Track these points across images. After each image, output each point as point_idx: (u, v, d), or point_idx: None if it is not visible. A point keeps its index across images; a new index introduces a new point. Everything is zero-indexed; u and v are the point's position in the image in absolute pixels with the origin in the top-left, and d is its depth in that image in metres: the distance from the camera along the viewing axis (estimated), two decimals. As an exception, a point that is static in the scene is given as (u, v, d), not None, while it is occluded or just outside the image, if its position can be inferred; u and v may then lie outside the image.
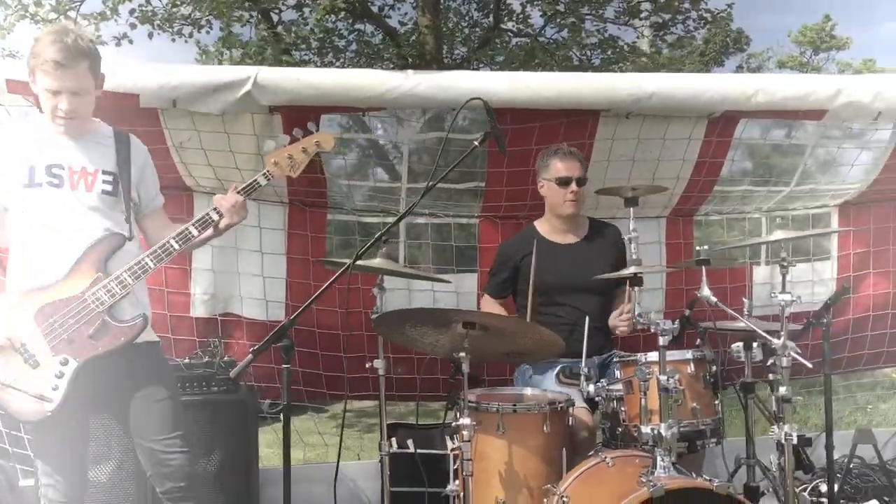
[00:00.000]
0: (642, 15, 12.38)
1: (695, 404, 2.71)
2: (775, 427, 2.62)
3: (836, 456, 4.08)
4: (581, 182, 3.57)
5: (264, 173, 2.68)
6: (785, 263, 2.91)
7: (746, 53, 29.40)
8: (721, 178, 4.29)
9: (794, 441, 2.59)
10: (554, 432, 2.63)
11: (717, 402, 2.76)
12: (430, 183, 2.63)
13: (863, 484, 3.67)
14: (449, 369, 2.85)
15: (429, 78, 3.68)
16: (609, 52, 12.35)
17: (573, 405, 2.80)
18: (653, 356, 2.61)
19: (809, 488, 3.38)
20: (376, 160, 4.08)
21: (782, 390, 2.58)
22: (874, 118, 4.00)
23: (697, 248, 2.91)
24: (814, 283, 4.80)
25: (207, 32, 10.81)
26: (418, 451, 2.80)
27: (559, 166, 3.59)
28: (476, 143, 2.65)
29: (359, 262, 2.54)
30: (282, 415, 2.48)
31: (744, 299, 3.11)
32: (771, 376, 2.70)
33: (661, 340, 2.44)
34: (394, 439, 3.02)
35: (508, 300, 3.76)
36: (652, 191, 3.02)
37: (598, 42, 12.32)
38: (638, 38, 12.62)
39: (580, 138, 3.94)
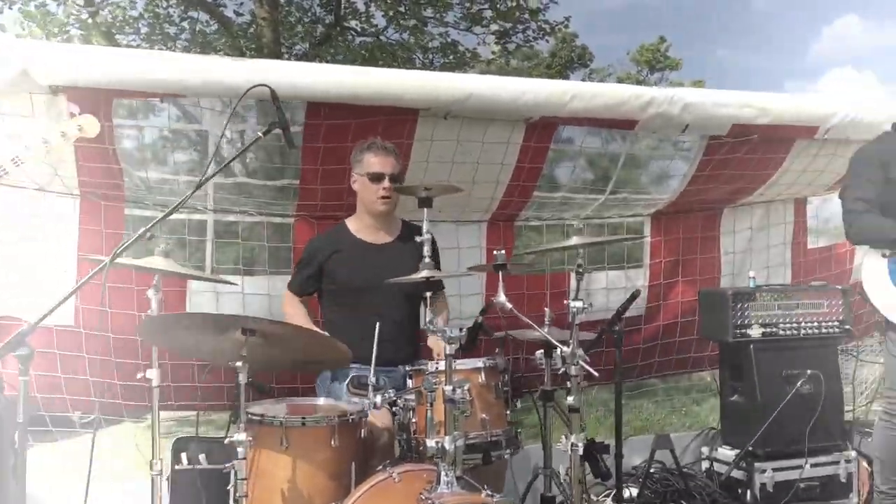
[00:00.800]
0: (484, 22, 12.60)
1: (485, 415, 2.64)
2: (563, 437, 2.61)
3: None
4: (395, 179, 3.46)
5: (13, 158, 2.37)
6: (580, 270, 2.92)
7: (589, 69, 30.71)
8: (540, 183, 4.32)
9: (581, 451, 2.57)
10: (343, 446, 2.47)
11: (508, 411, 2.71)
12: (203, 178, 2.41)
13: (663, 489, 3.79)
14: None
15: (232, 66, 3.45)
16: (451, 57, 12.45)
17: (366, 416, 2.66)
18: (441, 365, 2.50)
19: (613, 493, 3.44)
20: (178, 151, 3.79)
21: (570, 399, 2.56)
22: (682, 130, 4.16)
23: (495, 252, 2.85)
24: (627, 290, 4.93)
25: (10, 7, 9.89)
26: (197, 466, 2.57)
27: (372, 161, 3.45)
28: (260, 133, 2.45)
29: (132, 262, 2.29)
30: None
31: (545, 307, 3.10)
32: (568, 384, 2.68)
33: (448, 349, 2.35)
34: (184, 454, 2.79)
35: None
36: (446, 190, 2.93)
37: (441, 46, 12.39)
38: (479, 44, 12.83)
39: (398, 137, 3.83)
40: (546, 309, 3.13)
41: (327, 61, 11.87)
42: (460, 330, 2.38)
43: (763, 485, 3.70)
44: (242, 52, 10.78)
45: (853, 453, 3.89)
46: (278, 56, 10.76)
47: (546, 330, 2.97)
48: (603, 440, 2.86)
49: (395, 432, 2.82)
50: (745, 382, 3.90)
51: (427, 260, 2.60)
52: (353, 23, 12.99)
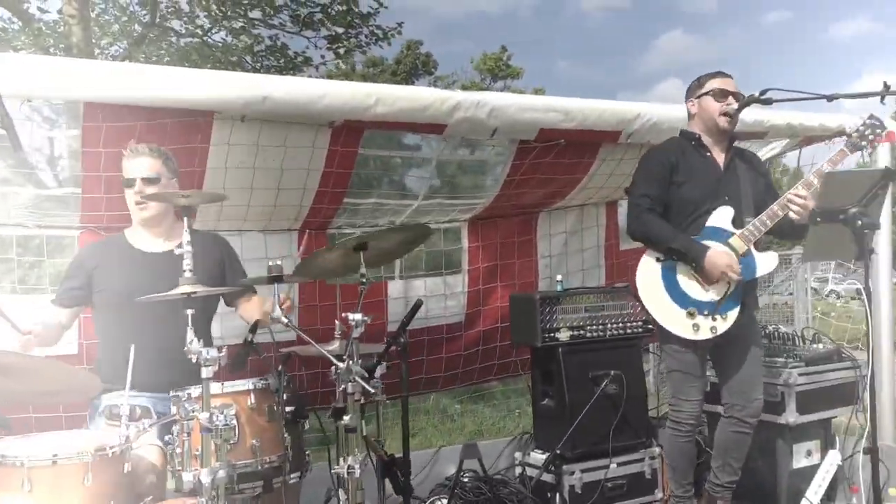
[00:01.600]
0: (314, 26, 12.39)
1: (255, 441, 2.46)
2: (341, 459, 2.49)
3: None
4: (151, 183, 3.14)
5: None
6: (364, 280, 2.81)
7: (434, 76, 31.10)
8: (350, 189, 4.20)
9: (356, 472, 2.45)
10: (100, 485, 2.22)
11: (287, 434, 2.54)
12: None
13: (474, 498, 3.76)
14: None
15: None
16: (281, 61, 12.15)
17: (130, 450, 2.42)
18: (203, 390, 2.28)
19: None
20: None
21: (346, 419, 2.45)
22: (491, 134, 4.16)
23: (270, 263, 2.69)
24: (446, 296, 4.92)
25: None
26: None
27: (125, 166, 3.17)
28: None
29: None
30: None
31: (336, 321, 2.97)
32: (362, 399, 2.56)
33: (205, 372, 2.16)
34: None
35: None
36: (208, 198, 2.74)
37: (270, 49, 12.07)
38: (307, 48, 12.58)
39: (192, 141, 3.59)
40: (336, 322, 2.99)
41: (142, 62, 11.27)
42: (219, 350, 2.20)
43: (572, 487, 3.75)
44: (47, 51, 10.02)
45: (657, 450, 4.01)
46: (90, 56, 10.09)
47: (336, 344, 2.83)
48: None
49: (167, 466, 2.58)
50: (555, 386, 3.94)
51: (187, 274, 2.38)
52: (176, 23, 12.42)
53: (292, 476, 2.51)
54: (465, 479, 3.82)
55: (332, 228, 4.52)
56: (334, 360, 2.52)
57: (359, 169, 4.13)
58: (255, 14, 11.73)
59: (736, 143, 3.75)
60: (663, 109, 4.57)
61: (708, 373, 3.77)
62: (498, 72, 32.64)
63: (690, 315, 3.41)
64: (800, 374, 3.84)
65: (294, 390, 2.60)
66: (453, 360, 5.06)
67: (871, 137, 3.33)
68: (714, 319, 3.42)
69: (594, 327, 4.01)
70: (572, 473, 3.77)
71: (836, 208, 2.70)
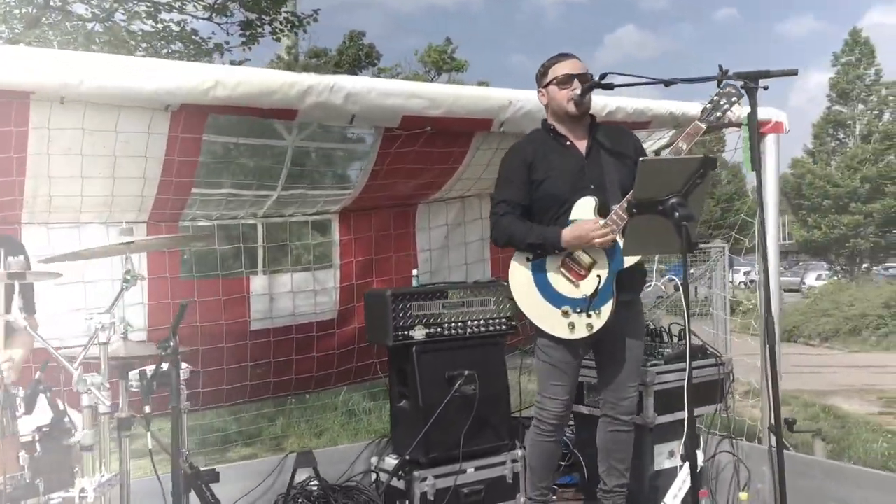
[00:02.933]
0: (228, 13, 12.02)
1: None
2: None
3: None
4: None
5: None
6: (129, 277, 2.58)
7: (377, 68, 30.87)
8: (198, 179, 3.95)
9: (89, 497, 2.18)
10: None
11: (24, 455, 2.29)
12: None
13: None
14: None
15: None
16: (191, 47, 11.75)
17: None
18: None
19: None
20: None
21: (79, 436, 2.20)
22: (349, 121, 3.96)
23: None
24: (316, 292, 4.71)
25: None
26: None
27: None
28: None
29: None
30: None
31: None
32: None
33: None
34: None
35: None
36: None
37: (179, 35, 11.66)
38: (213, 34, 12.16)
39: (5, 125, 3.32)
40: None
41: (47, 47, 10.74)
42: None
43: (423, 493, 3.58)
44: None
45: (519, 452, 3.87)
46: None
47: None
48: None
49: None
50: (410, 387, 3.77)
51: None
52: (80, 8, 11.90)
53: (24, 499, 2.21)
54: (313, 488, 3.62)
55: (186, 221, 4.26)
56: (70, 368, 2.28)
57: (206, 157, 3.89)
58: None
59: (600, 121, 3.63)
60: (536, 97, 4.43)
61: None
62: (442, 64, 32.48)
63: (565, 314, 3.31)
64: (658, 373, 3.73)
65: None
66: (327, 359, 4.85)
67: (725, 106, 3.21)
68: (589, 316, 3.31)
69: (453, 324, 3.85)
70: (424, 479, 3.60)
71: (653, 198, 2.56)
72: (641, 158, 2.73)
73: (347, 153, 4.27)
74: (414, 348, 3.72)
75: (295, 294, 4.62)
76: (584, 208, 3.37)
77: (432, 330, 3.79)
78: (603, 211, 3.35)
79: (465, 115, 4.19)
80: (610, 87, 3.15)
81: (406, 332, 3.74)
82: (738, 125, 3.22)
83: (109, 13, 11.49)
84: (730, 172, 56.24)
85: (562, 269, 3.33)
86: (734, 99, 3.20)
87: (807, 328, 20.40)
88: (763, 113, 5.29)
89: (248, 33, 12.09)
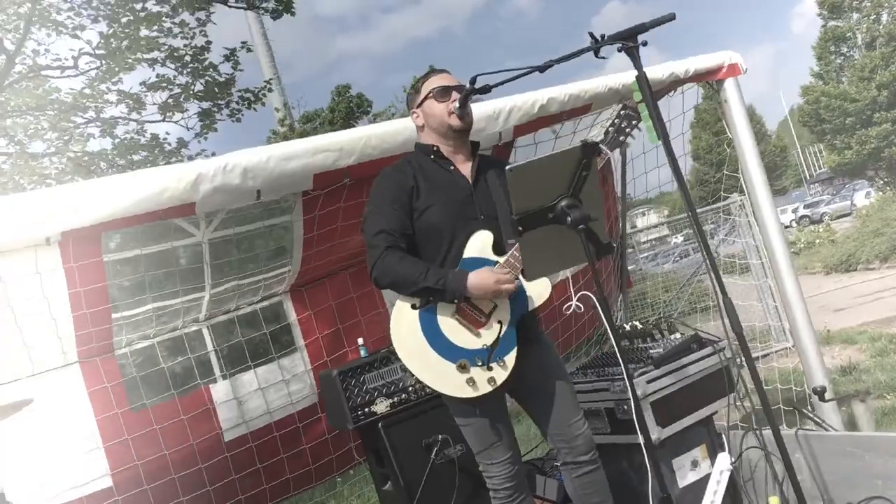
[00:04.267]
0: (181, 109, 11.95)
1: None
2: None
3: None
4: None
5: None
6: None
7: (372, 115, 30.92)
8: (115, 303, 3.69)
9: None
10: None
11: None
12: None
13: None
14: None
15: None
16: (156, 151, 11.67)
17: None
18: None
19: None
20: None
21: None
22: (255, 198, 3.65)
23: None
24: (287, 381, 4.39)
25: None
26: None
27: None
28: None
29: None
30: None
31: None
32: None
33: None
34: None
35: None
36: None
37: (137, 144, 11.61)
38: (168, 133, 12.06)
39: None
40: None
41: None
42: None
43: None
44: None
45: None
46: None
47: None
48: None
49: None
50: (388, 467, 3.41)
51: None
52: (37, 145, 11.89)
53: None
54: None
55: (121, 348, 3.98)
56: None
57: (114, 279, 3.62)
58: (115, 111, 11.33)
59: (482, 151, 3.20)
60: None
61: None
62: (430, 91, 32.39)
63: (462, 368, 2.81)
64: (649, 381, 3.31)
65: None
66: (321, 447, 4.52)
67: (627, 130, 2.86)
68: (490, 369, 2.82)
69: (416, 386, 3.48)
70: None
71: (539, 207, 2.19)
72: (508, 167, 2.28)
73: (271, 230, 3.97)
74: (380, 424, 3.36)
75: (264, 390, 4.31)
76: (481, 244, 2.90)
77: (396, 398, 3.43)
78: (497, 248, 2.90)
79: (380, 156, 3.87)
80: (486, 90, 2.80)
81: (366, 409, 3.39)
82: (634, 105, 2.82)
83: (66, 142, 11.46)
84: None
85: (457, 317, 2.85)
86: (634, 122, 2.86)
87: (863, 253, 19.51)
88: (713, 59, 4.91)
89: (206, 121, 11.99)
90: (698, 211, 8.45)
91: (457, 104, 2.88)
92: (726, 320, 2.48)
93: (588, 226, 2.13)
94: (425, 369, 2.83)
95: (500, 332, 2.84)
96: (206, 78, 11.78)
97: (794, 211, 45.34)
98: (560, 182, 2.16)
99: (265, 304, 4.36)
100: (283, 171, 3.65)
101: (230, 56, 11.84)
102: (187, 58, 11.54)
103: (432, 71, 3.07)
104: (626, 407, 3.25)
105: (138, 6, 10.66)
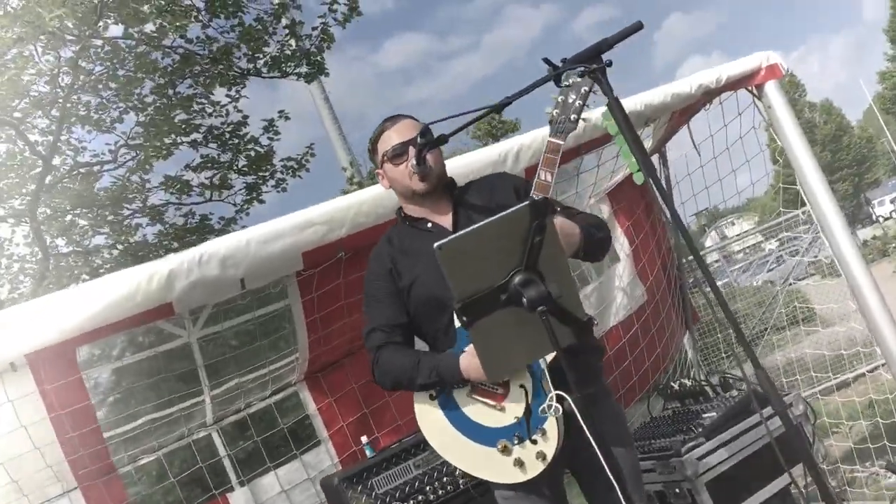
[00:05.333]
0: (227, 185, 11.98)
1: None
2: None
3: None
4: None
5: None
6: None
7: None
8: (105, 420, 3.44)
9: None
10: None
11: None
12: None
13: None
14: None
15: None
16: (203, 230, 11.66)
17: None
18: None
19: None
20: None
21: None
22: (240, 288, 3.36)
23: None
24: (313, 480, 4.03)
25: None
26: None
27: None
28: None
29: None
30: None
31: None
32: None
33: None
34: None
35: None
36: None
37: (184, 229, 11.66)
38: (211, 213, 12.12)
39: None
40: None
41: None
42: None
43: None
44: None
45: None
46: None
47: None
48: None
49: None
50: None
51: None
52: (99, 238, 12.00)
53: None
54: None
55: (125, 466, 3.69)
56: None
57: (98, 395, 3.37)
58: (160, 197, 11.44)
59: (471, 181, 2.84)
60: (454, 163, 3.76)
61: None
62: (495, 131, 32.27)
63: (505, 451, 2.42)
64: (701, 457, 2.80)
65: None
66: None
67: (577, 103, 2.40)
68: (535, 443, 2.40)
69: (438, 482, 3.07)
70: None
71: (486, 290, 1.76)
72: (436, 245, 1.84)
73: (267, 320, 3.65)
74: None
75: (289, 492, 3.96)
76: None
77: (412, 501, 3.02)
78: None
79: (374, 223, 3.54)
80: (442, 140, 2.42)
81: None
82: (588, 90, 2.36)
83: (118, 234, 11.59)
84: (823, 111, 53.19)
85: (475, 397, 2.49)
86: (584, 89, 2.42)
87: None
88: (748, 63, 4.44)
89: (252, 195, 11.96)
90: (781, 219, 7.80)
91: (413, 163, 2.51)
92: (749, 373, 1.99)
93: (554, 304, 1.70)
94: (465, 459, 2.52)
95: (527, 399, 2.43)
96: (248, 152, 11.76)
97: (893, 201, 43.06)
98: (509, 253, 1.74)
99: (278, 397, 4.04)
100: (267, 255, 3.36)
101: (268, 127, 11.81)
102: (226, 135, 11.57)
103: (385, 122, 2.70)
104: (678, 490, 2.74)
105: (170, 91, 10.75)
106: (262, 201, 11.92)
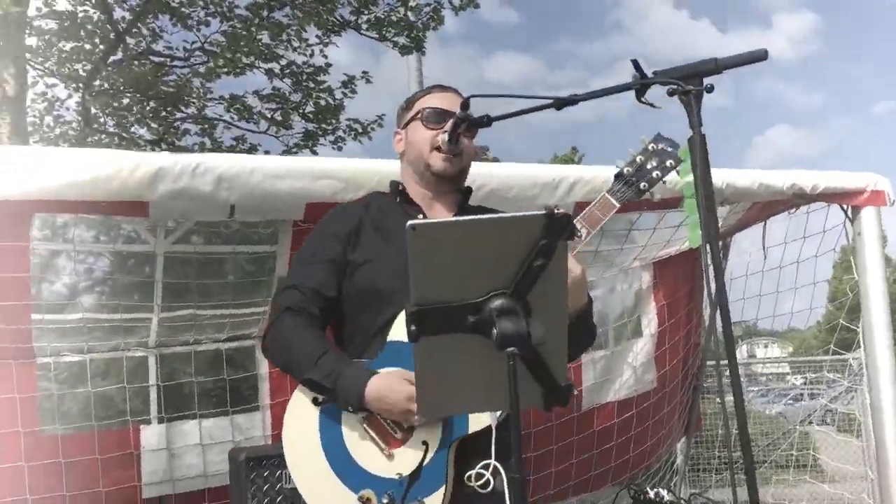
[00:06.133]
0: (288, 124, 11.77)
1: None
2: None
3: None
4: None
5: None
6: None
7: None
8: (38, 302, 3.12)
9: None
10: None
11: None
12: None
13: None
14: None
15: None
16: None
17: None
18: None
19: None
20: None
21: None
22: (228, 214, 3.05)
23: None
24: (237, 444, 3.69)
25: None
26: None
27: None
28: None
29: None
30: None
31: None
32: None
33: None
34: None
35: None
36: None
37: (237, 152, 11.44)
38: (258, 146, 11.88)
39: None
40: None
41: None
42: None
43: None
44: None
45: None
46: None
47: None
48: None
49: None
50: None
51: None
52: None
53: None
54: None
55: (45, 356, 3.37)
56: None
57: (40, 272, 3.05)
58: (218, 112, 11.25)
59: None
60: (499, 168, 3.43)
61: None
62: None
63: (365, 503, 2.00)
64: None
65: None
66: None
67: (654, 174, 2.07)
68: None
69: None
70: None
71: (454, 302, 1.36)
72: (410, 223, 1.41)
73: (249, 258, 3.32)
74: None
75: (206, 448, 3.61)
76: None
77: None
78: None
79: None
80: (486, 121, 2.05)
81: (262, 508, 2.61)
82: (672, 167, 2.03)
83: (162, 133, 11.43)
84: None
85: (367, 428, 2.05)
86: (669, 162, 2.08)
87: None
88: (853, 179, 4.03)
89: (307, 143, 11.73)
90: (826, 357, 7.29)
91: (446, 136, 2.14)
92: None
93: (531, 351, 1.31)
94: (315, 492, 2.05)
95: (423, 460, 2.01)
96: (318, 100, 11.54)
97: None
98: (498, 267, 1.35)
99: (232, 345, 3.70)
100: (269, 190, 3.04)
101: (348, 83, 11.58)
102: (304, 75, 11.36)
103: (435, 86, 2.36)
104: None
105: (264, 13, 10.56)
106: (314, 152, 11.69)
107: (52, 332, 3.24)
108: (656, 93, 1.70)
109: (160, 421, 3.56)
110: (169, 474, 3.55)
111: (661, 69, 1.66)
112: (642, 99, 1.70)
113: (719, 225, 4.34)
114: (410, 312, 1.34)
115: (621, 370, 4.65)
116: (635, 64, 1.65)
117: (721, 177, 3.71)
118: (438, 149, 2.18)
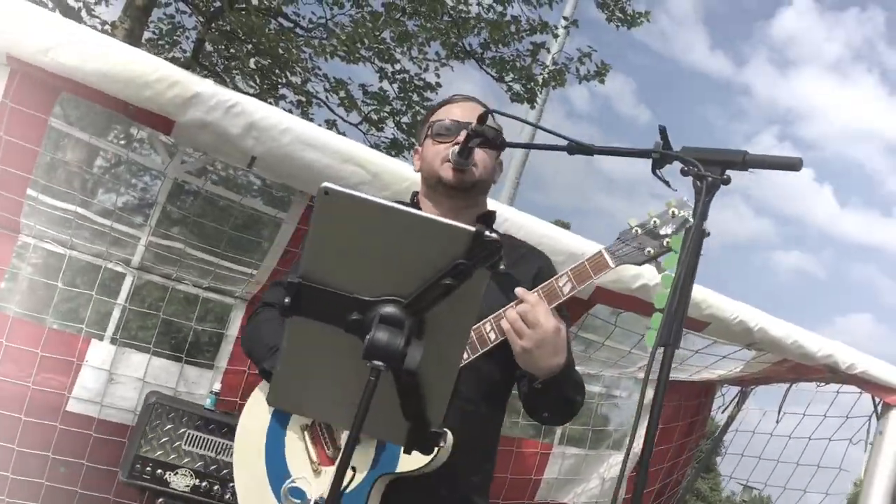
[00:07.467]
0: (379, 126, 11.84)
1: None
2: None
3: None
4: None
5: None
6: None
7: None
8: (35, 178, 3.10)
9: None
10: None
11: None
12: None
13: None
14: None
15: None
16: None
17: None
18: None
19: None
20: None
21: None
22: (247, 164, 2.98)
23: None
24: (177, 394, 3.59)
25: None
26: None
27: None
28: None
29: None
30: None
31: None
32: None
33: None
34: None
35: None
36: None
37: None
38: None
39: None
40: None
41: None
42: None
43: None
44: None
45: None
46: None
47: None
48: None
49: None
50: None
51: None
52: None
53: None
54: None
55: (27, 235, 3.35)
56: None
57: (50, 151, 3.03)
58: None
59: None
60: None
61: None
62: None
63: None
64: None
65: None
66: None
67: (665, 239, 1.90)
68: None
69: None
70: None
71: (342, 292, 1.18)
72: (323, 184, 1.25)
73: (253, 216, 3.25)
74: (159, 501, 2.45)
75: (146, 385, 3.52)
76: None
77: (204, 484, 2.51)
78: None
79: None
80: (500, 142, 1.94)
81: (156, 472, 2.49)
82: (665, 251, 1.86)
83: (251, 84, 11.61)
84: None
85: (305, 436, 2.01)
86: (681, 220, 1.92)
87: None
88: (886, 372, 3.78)
89: (392, 152, 11.75)
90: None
91: (455, 149, 2.04)
92: None
93: (406, 375, 1.16)
94: (245, 486, 2.01)
95: (346, 485, 1.89)
96: (417, 115, 11.59)
97: None
98: (403, 272, 1.20)
99: (211, 295, 3.61)
100: (294, 156, 2.97)
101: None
102: (412, 85, 11.43)
103: (455, 96, 2.28)
104: None
105: (397, 15, 10.68)
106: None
107: (42, 214, 3.21)
108: (674, 169, 1.56)
109: (112, 342, 3.48)
110: (100, 397, 3.47)
111: (686, 147, 1.52)
112: (657, 171, 1.56)
113: (739, 370, 4.12)
114: (289, 283, 1.23)
115: (589, 476, 4.42)
116: (662, 132, 1.52)
117: (754, 317, 3.51)
118: (447, 161, 2.09)
